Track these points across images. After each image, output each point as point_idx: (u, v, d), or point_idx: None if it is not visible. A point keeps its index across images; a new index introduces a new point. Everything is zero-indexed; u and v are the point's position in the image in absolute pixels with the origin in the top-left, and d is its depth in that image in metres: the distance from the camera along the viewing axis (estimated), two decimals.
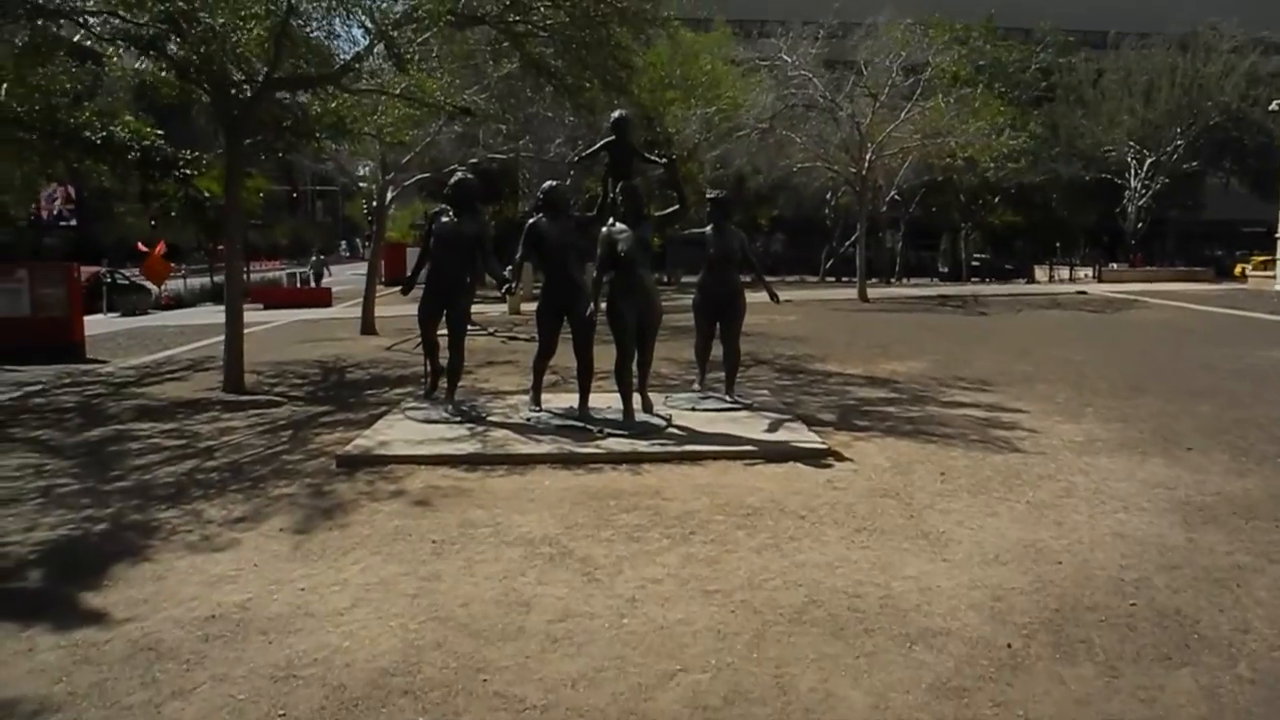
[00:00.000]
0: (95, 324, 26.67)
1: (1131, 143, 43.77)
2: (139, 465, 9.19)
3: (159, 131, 14.76)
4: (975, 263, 50.94)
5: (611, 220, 9.97)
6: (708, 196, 11.24)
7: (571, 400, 10.57)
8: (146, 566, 6.31)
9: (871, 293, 32.54)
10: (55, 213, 54.33)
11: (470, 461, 8.65)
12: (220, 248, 48.27)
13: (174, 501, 7.82)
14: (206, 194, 14.49)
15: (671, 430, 9.72)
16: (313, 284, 41.08)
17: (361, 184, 32.28)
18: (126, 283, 36.07)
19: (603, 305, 9.73)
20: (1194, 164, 44.30)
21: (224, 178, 13.95)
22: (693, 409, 10.80)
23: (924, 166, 37.49)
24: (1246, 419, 10.86)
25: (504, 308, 25.96)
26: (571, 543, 6.55)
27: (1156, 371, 14.52)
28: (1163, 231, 50.91)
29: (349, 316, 25.06)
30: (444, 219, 10.39)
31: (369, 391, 13.47)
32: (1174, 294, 32.30)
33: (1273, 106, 36.49)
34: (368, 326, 21.85)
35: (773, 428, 9.79)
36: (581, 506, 7.35)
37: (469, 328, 20.87)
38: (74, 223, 55.06)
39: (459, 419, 10.21)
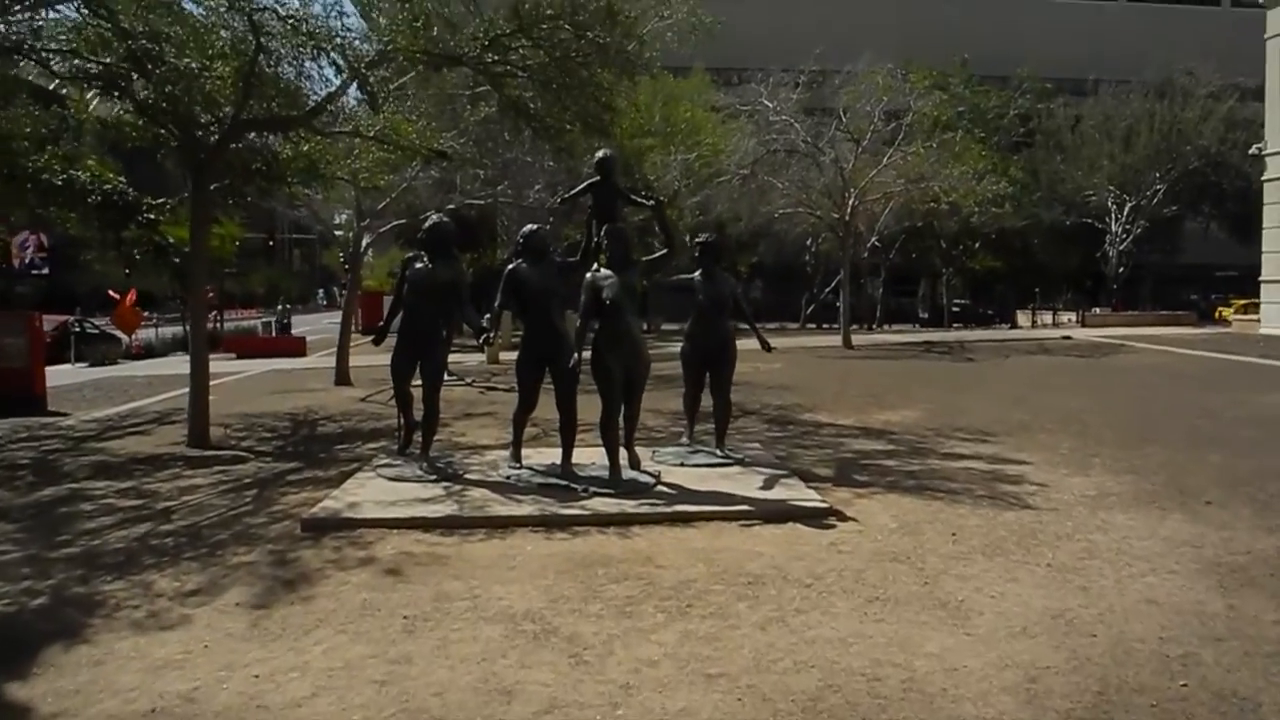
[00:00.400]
0: (62, 374, 25.97)
1: (1111, 187, 43.84)
2: (89, 529, 8.53)
3: (121, 178, 14.20)
4: (955, 308, 50.78)
5: (596, 265, 9.46)
6: (697, 241, 10.75)
7: (554, 456, 9.97)
8: (84, 650, 5.66)
9: (855, 339, 32.15)
10: (28, 261, 53.53)
11: (446, 525, 8.03)
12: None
13: (122, 571, 7.16)
14: (170, 240, 13.84)
15: (661, 488, 9.14)
16: (275, 334, 40.21)
17: (338, 231, 31.71)
18: (96, 332, 35.27)
19: (587, 355, 9.20)
20: (1174, 208, 44.41)
21: (189, 223, 13.37)
22: (681, 464, 10.23)
23: (905, 212, 37.34)
24: (1262, 469, 10.38)
25: (482, 357, 25.40)
26: (557, 618, 5.95)
27: (1159, 419, 14.07)
28: (1141, 276, 50.92)
29: (323, 366, 24.40)
30: (418, 265, 9.85)
31: (340, 446, 12.83)
32: (1159, 338, 32.05)
33: (1252, 151, 36.58)
34: (342, 377, 21.20)
35: (768, 484, 9.22)
36: (567, 576, 6.74)
37: (445, 378, 20.49)
38: (46, 270, 54.27)
39: (434, 477, 9.60)
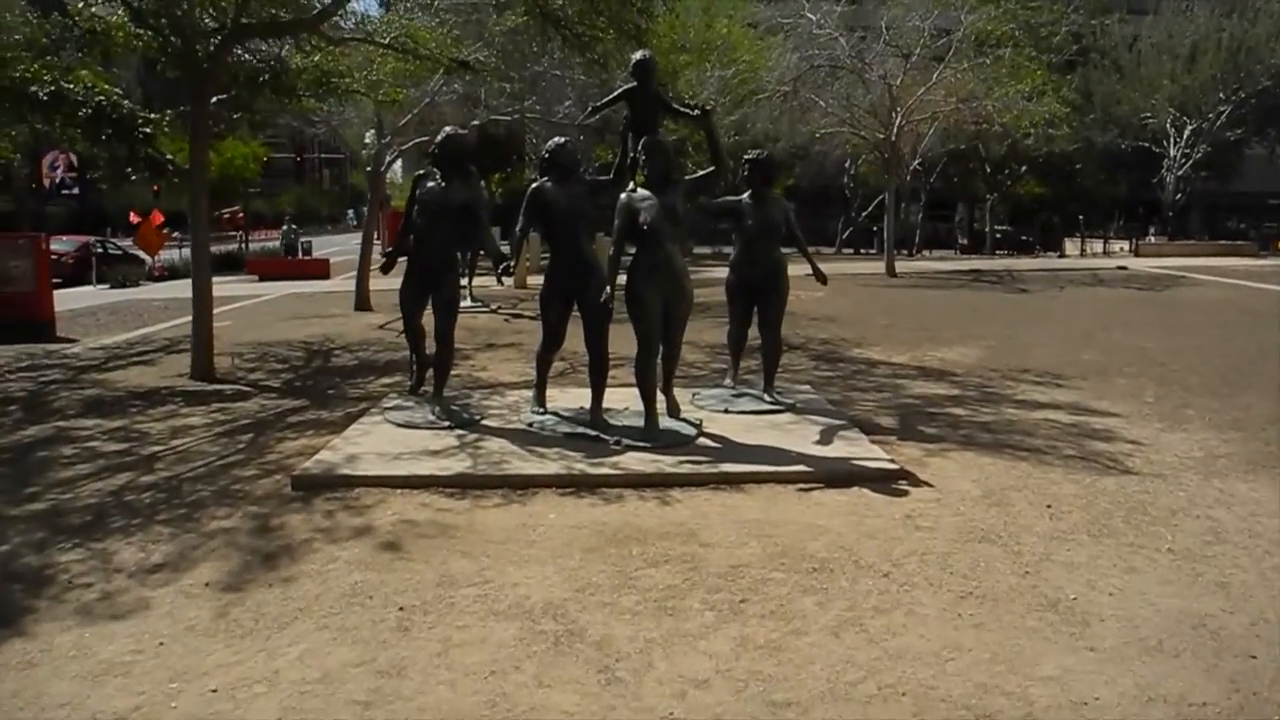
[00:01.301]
0: (80, 296, 25.21)
1: (1171, 110, 41.62)
2: (62, 479, 7.58)
3: (118, 89, 13.04)
4: (997, 235, 49.05)
5: (632, 184, 8.27)
6: (746, 158, 9.45)
7: (583, 399, 8.86)
8: (17, 646, 4.70)
9: (898, 266, 30.69)
10: (58, 181, 52.74)
11: (457, 485, 6.98)
12: (225, 215, 47.10)
13: (85, 536, 6.20)
14: (169, 156, 12.71)
15: (703, 441, 8.05)
16: (285, 257, 38.89)
17: (363, 150, 30.48)
18: (119, 253, 34.43)
19: (621, 286, 8.07)
20: (1238, 131, 42.14)
21: (190, 137, 12.25)
22: (726, 411, 9.13)
23: (951, 134, 35.56)
24: None
25: (510, 281, 24.29)
26: (583, 614, 4.91)
27: (1247, 363, 12.77)
28: (1195, 204, 48.81)
29: (346, 290, 23.29)
30: (429, 184, 8.68)
31: (352, 381, 11.83)
32: (1220, 269, 30.38)
33: None
34: (362, 302, 20.16)
35: (826, 438, 8.11)
36: (595, 555, 5.69)
37: (470, 304, 19.40)
38: (76, 190, 53.46)
39: (447, 424, 8.54)
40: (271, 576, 5.49)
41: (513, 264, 8.08)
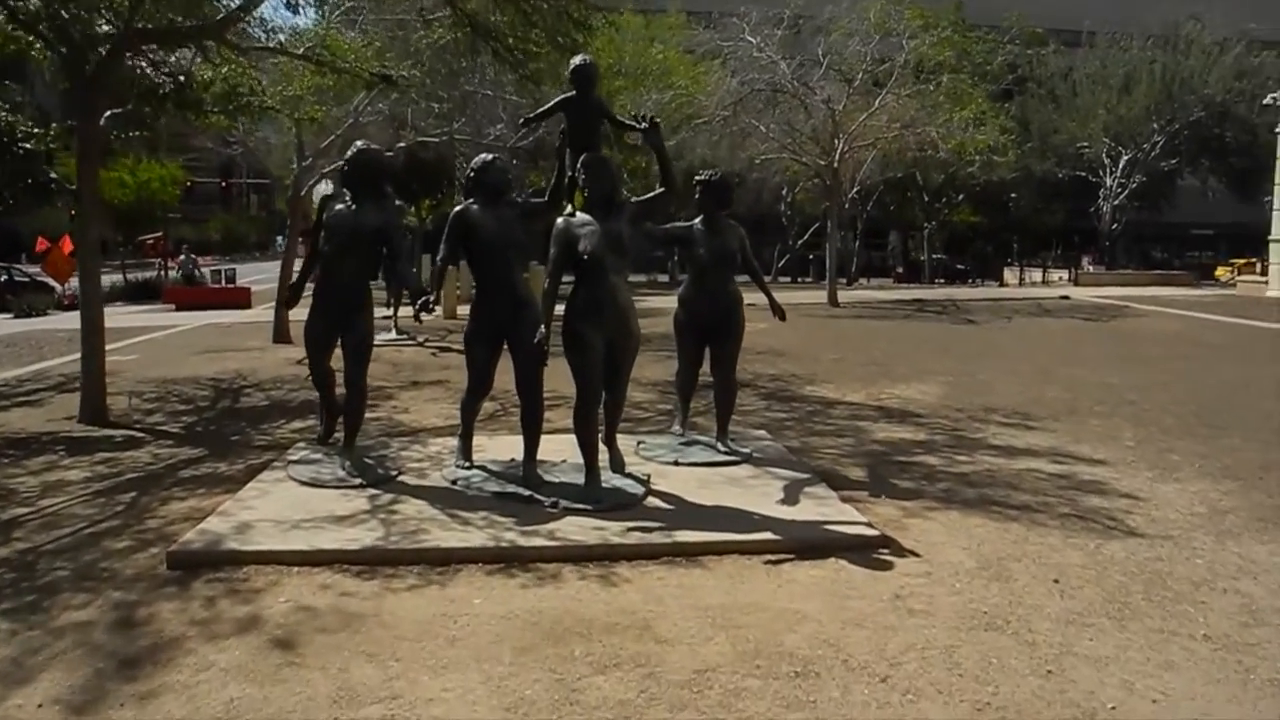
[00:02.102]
0: None
1: (1106, 139, 41.79)
2: None
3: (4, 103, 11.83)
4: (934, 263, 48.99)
5: (570, 208, 7.31)
6: (698, 179, 8.50)
7: (515, 448, 7.81)
8: None
9: (839, 295, 30.05)
10: None
11: (365, 561, 5.89)
12: (148, 241, 45.14)
13: None
14: (54, 176, 11.49)
15: (653, 500, 7.07)
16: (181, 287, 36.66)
17: (288, 175, 29.14)
18: (26, 280, 32.66)
19: (558, 325, 7.08)
20: (1172, 162, 42.45)
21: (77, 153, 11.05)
22: (675, 463, 8.16)
23: (889, 162, 35.22)
24: None
25: (434, 313, 23.15)
26: None
27: (1218, 400, 12.14)
28: (1131, 232, 49.17)
29: (266, 320, 21.93)
30: (338, 206, 7.62)
31: (260, 426, 10.66)
32: (1164, 300, 30.20)
33: (1266, 101, 34.47)
34: (280, 334, 18.89)
35: (791, 496, 7.15)
36: (530, 657, 4.66)
37: (394, 336, 18.26)
38: None
39: (358, 481, 7.44)
40: (127, 692, 4.39)
41: (432, 297, 7.05)
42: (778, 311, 8.81)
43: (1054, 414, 11.08)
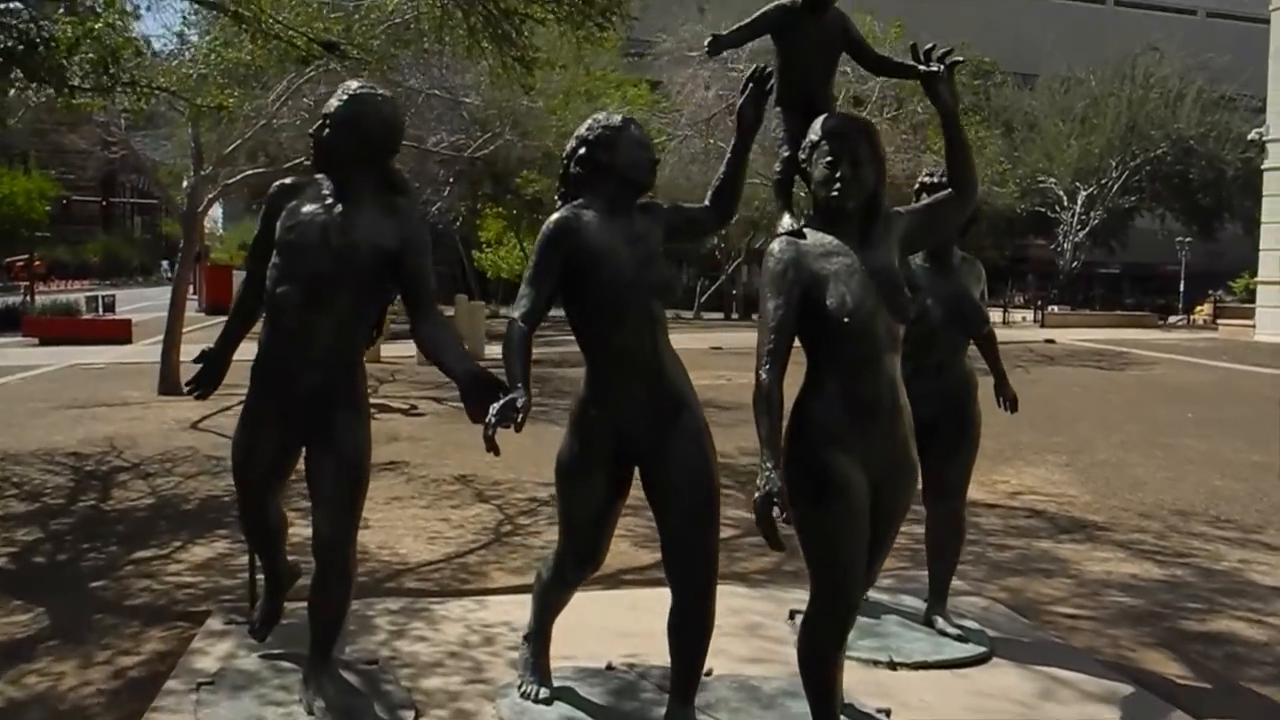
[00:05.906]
0: None
1: (1056, 176, 40.22)
2: None
3: None
4: None
5: (790, 219, 3.76)
6: (921, 181, 5.10)
7: (604, 634, 4.29)
8: None
9: None
10: None
11: None
12: (18, 263, 40.13)
13: None
14: None
15: None
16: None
17: (181, 191, 24.83)
18: None
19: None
20: (1133, 199, 40.93)
21: None
22: (891, 663, 4.73)
23: None
24: None
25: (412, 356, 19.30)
26: None
27: None
28: (1090, 271, 47.87)
29: (150, 361, 17.72)
30: (307, 207, 3.94)
31: (140, 552, 6.90)
32: (1151, 344, 28.09)
33: (1251, 136, 32.83)
34: (169, 383, 14.86)
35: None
36: None
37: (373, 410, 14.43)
38: None
39: None
40: None
41: (520, 399, 3.39)
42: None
43: (1268, 518, 8.04)
